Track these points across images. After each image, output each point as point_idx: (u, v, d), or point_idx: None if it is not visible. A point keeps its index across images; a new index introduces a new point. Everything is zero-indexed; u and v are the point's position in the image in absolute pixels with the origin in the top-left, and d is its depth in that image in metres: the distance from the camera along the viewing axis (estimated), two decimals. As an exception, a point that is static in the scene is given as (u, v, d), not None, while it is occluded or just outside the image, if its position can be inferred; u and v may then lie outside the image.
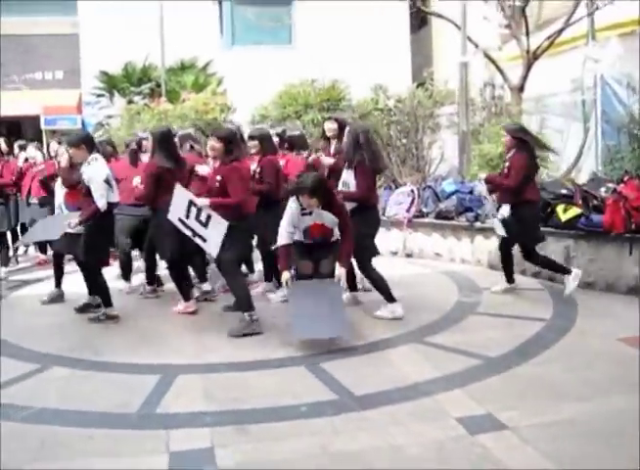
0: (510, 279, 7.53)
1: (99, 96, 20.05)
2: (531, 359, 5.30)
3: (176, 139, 7.59)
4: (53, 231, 6.92)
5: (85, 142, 6.70)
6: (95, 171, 6.53)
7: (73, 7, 19.91)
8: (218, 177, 6.38)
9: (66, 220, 6.58)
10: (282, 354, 5.60)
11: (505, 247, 7.46)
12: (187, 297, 7.10)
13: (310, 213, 5.96)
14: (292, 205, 6.00)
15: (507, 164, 7.18)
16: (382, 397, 4.62)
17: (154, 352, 5.81)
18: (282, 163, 7.58)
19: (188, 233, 6.35)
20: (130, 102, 17.92)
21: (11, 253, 9.95)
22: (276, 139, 7.78)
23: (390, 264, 8.25)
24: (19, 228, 9.61)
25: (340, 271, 5.90)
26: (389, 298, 6.58)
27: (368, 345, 5.78)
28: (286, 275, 5.89)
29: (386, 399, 4.56)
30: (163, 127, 7.56)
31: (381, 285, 6.61)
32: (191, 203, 6.23)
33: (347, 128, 6.85)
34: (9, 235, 9.86)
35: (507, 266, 7.52)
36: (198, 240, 6.32)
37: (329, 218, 5.98)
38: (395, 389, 4.75)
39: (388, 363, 5.37)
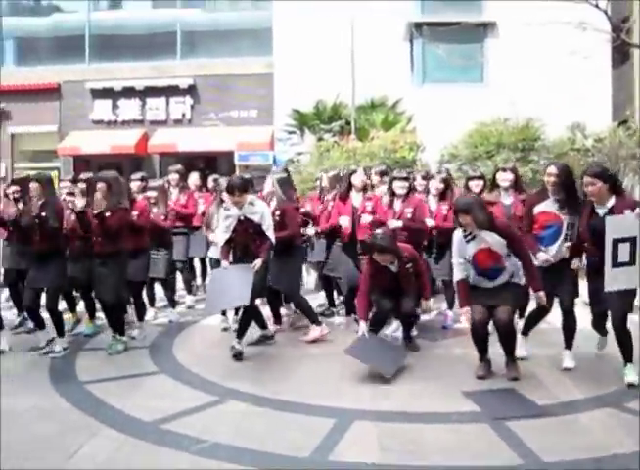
0: None
1: (290, 133, 20.68)
2: None
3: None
4: (241, 291, 6.54)
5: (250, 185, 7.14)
6: (265, 207, 6.88)
7: (269, 47, 20.74)
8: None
9: (247, 271, 6.60)
10: (463, 408, 5.21)
11: None
12: (317, 321, 7.44)
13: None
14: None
15: None
16: (574, 467, 4.14)
17: (327, 392, 5.62)
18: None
19: None
20: (320, 139, 18.26)
21: (199, 281, 10.25)
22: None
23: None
24: (208, 260, 9.81)
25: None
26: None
27: (558, 405, 5.24)
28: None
29: (578, 470, 4.07)
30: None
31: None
32: None
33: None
34: (198, 263, 10.18)
35: None
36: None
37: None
38: (591, 459, 4.24)
39: (581, 428, 4.82)
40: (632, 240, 5.56)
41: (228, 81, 20.90)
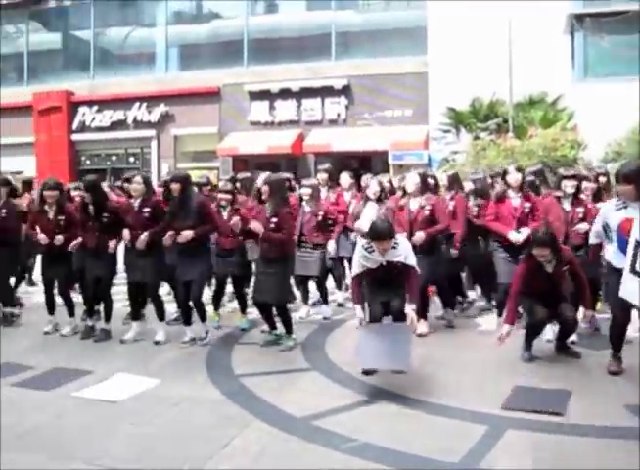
0: None
1: (445, 132, 20.40)
2: None
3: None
4: (398, 355, 5.85)
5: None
6: (407, 243, 6.39)
7: (423, 46, 20.55)
8: None
9: (405, 332, 5.96)
10: (624, 422, 4.86)
11: None
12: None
13: None
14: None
15: None
16: None
17: (481, 398, 5.42)
18: None
19: None
20: (476, 138, 17.92)
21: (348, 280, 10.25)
22: None
23: None
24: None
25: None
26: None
27: None
28: None
29: None
30: None
31: None
32: None
33: None
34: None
35: None
36: None
37: None
38: None
39: None
40: None
41: (382, 81, 20.89)
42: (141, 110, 23.81)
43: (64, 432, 4.87)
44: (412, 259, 6.09)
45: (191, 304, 7.32)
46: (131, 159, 24.98)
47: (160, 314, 7.54)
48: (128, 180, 7.98)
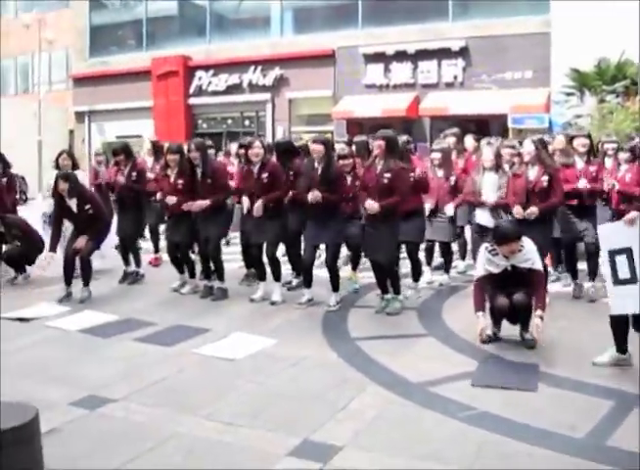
0: None
1: (568, 95, 19.51)
2: None
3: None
4: None
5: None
6: (532, 246, 5.99)
7: (546, 5, 19.67)
8: None
9: None
10: None
11: None
12: None
13: None
14: None
15: None
16: None
17: (608, 373, 5.16)
18: None
19: None
20: (602, 101, 17.08)
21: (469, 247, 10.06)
22: None
23: None
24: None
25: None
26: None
27: None
28: None
29: None
30: None
31: None
32: None
33: None
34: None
35: None
36: None
37: None
38: None
39: None
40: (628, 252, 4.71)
41: (501, 42, 20.15)
42: (256, 73, 23.94)
43: (186, 387, 4.98)
44: (538, 263, 5.79)
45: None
46: (246, 122, 25.24)
47: (277, 275, 7.59)
48: (244, 146, 8.01)
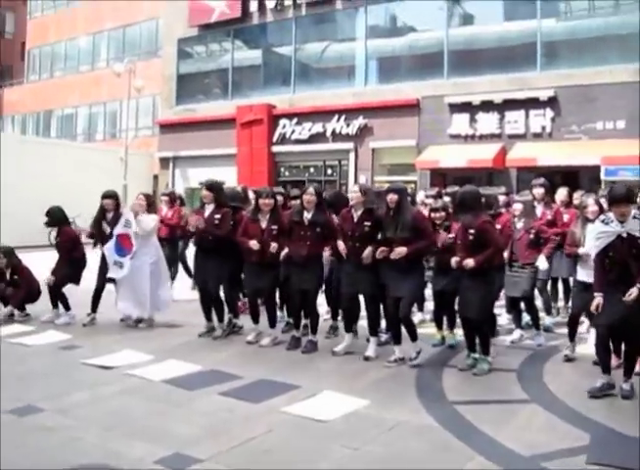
0: None
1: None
2: None
3: None
4: None
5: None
6: None
7: (636, 53, 19.05)
8: None
9: None
10: None
11: None
12: None
13: None
14: None
15: None
16: None
17: None
18: None
19: None
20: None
21: (560, 303, 9.59)
22: None
23: None
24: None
25: None
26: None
27: None
28: None
29: None
30: None
31: None
32: None
33: None
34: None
35: None
36: None
37: None
38: None
39: None
40: None
41: (592, 91, 19.58)
42: (340, 122, 23.93)
43: (276, 449, 4.70)
44: None
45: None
46: (329, 171, 25.21)
47: (373, 329, 7.27)
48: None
